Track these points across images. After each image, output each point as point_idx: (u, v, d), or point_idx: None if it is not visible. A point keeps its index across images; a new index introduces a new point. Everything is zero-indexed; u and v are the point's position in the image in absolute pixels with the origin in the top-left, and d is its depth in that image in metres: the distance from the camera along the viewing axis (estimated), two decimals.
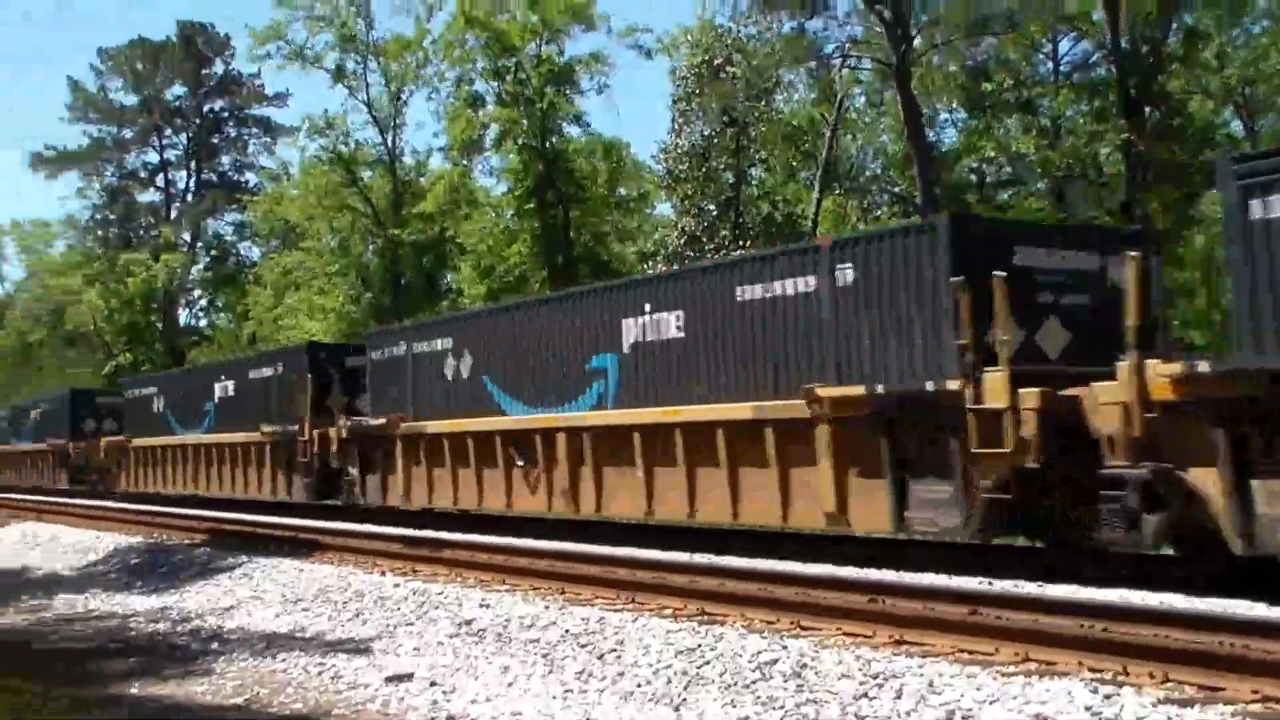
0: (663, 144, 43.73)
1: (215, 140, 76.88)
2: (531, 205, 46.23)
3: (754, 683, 8.97)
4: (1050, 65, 39.81)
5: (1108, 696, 7.64)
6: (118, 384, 47.15)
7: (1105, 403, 11.95)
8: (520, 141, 45.94)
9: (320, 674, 10.81)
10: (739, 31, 41.54)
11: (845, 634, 10.10)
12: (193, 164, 76.70)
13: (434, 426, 22.32)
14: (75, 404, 44.48)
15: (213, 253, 75.82)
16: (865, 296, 14.41)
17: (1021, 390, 12.56)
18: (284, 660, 11.42)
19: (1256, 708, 7.34)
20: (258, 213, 64.48)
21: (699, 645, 10.06)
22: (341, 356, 27.31)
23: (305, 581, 15.77)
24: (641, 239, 49.53)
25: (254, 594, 15.60)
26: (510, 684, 9.86)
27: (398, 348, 24.15)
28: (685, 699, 8.90)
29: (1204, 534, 11.54)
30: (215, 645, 12.45)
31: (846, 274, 14.63)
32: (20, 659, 12.32)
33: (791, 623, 10.64)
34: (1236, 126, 39.88)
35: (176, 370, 47.54)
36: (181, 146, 76.64)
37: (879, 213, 43.10)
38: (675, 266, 35.56)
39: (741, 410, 15.87)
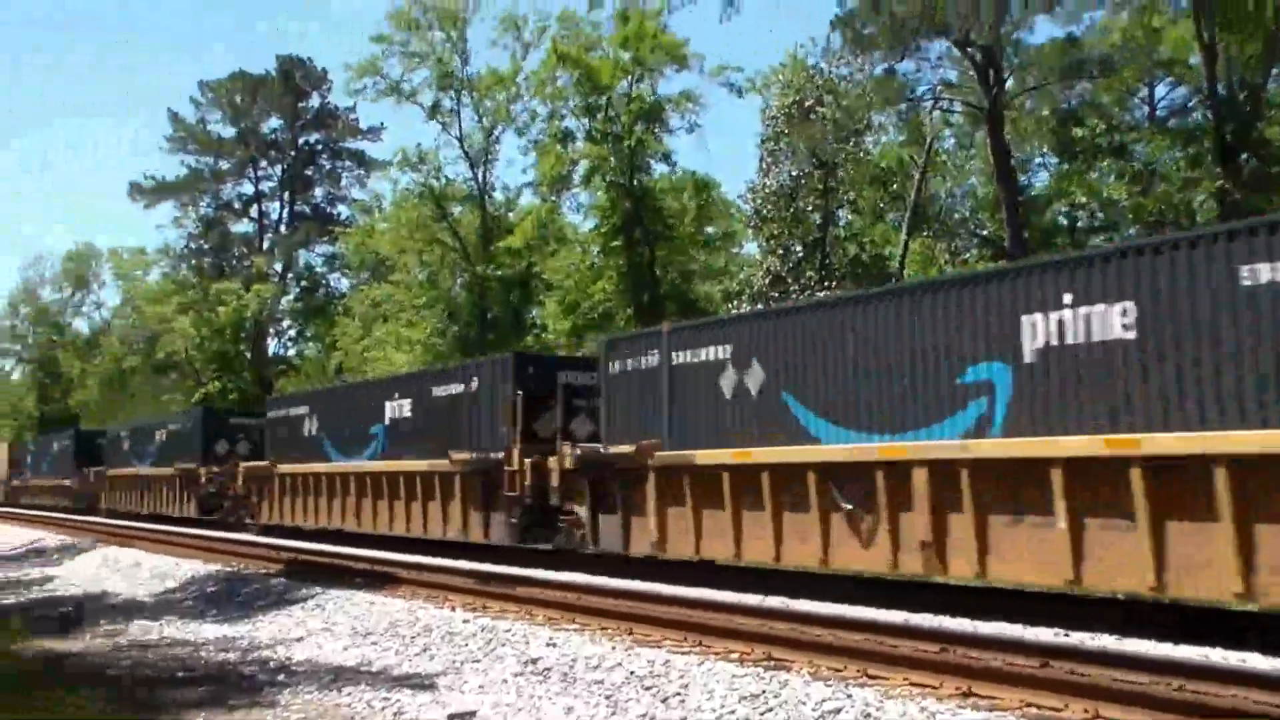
0: (751, 183, 43.68)
1: (309, 172, 78.56)
2: (618, 243, 46.42)
3: None
4: (1144, 110, 39.34)
5: None
6: (235, 405, 44.79)
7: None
8: (608, 179, 46.13)
9: (384, 709, 10.77)
10: (830, 72, 41.45)
11: (912, 684, 9.89)
12: (286, 195, 78.48)
13: (706, 456, 18.39)
14: (207, 424, 40.11)
15: (303, 283, 77.24)
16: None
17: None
18: (349, 694, 11.40)
19: None
20: (348, 245, 65.45)
21: (763, 691, 9.88)
22: (554, 371, 23.51)
23: (376, 614, 15.79)
24: (728, 279, 49.47)
25: (325, 625, 15.65)
26: None
27: (648, 357, 20.09)
28: None
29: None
30: (282, 677, 12.46)
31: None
32: (94, 683, 12.43)
33: (859, 670, 10.46)
34: None
35: (337, 385, 43.60)
36: (276, 178, 78.58)
37: (967, 255, 42.70)
38: (759, 306, 35.37)
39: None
